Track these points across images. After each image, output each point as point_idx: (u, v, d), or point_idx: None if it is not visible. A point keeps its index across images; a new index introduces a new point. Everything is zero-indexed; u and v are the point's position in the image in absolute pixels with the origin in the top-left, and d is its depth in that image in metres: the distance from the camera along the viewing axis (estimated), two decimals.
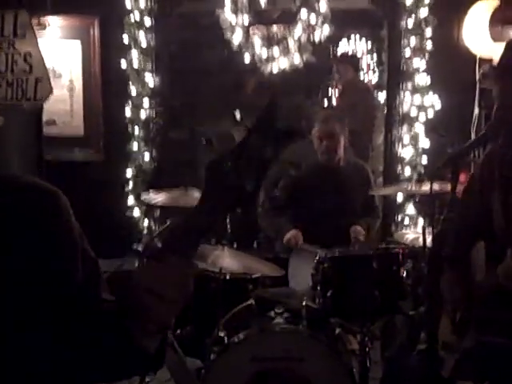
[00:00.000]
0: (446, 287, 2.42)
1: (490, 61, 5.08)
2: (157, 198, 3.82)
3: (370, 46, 8.52)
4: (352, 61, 7.33)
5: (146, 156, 5.13)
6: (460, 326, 2.38)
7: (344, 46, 8.61)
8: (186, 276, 1.21)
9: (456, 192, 2.37)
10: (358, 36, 8.57)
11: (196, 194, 3.84)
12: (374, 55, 8.35)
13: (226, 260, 3.59)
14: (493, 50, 5.01)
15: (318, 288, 3.41)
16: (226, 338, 3.23)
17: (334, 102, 8.27)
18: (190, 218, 1.28)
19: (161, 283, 1.16)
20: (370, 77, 8.19)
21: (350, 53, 8.32)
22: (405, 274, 3.29)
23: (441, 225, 2.36)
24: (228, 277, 3.67)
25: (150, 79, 5.10)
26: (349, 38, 8.58)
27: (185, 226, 1.29)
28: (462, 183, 2.53)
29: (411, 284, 3.21)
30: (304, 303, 3.34)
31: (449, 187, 2.98)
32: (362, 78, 7.99)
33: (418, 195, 4.48)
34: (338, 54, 8.43)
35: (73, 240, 1.21)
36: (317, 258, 3.48)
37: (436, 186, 3.56)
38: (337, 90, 8.39)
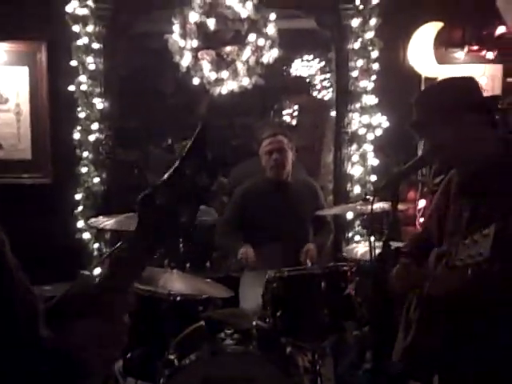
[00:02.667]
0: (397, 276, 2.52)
1: (434, 80, 5.21)
2: (106, 222, 3.79)
3: (321, 66, 8.65)
4: (303, 85, 7.41)
5: (96, 179, 5.09)
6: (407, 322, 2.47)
7: (297, 66, 8.71)
8: (120, 329, 1.20)
9: (396, 212, 2.44)
10: (311, 56, 8.69)
11: None
12: (328, 74, 8.47)
13: (175, 282, 3.59)
14: (437, 71, 5.14)
15: (268, 308, 3.42)
16: (176, 361, 3.20)
17: (292, 122, 8.36)
18: (124, 254, 1.27)
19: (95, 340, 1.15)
20: (324, 95, 8.27)
21: (303, 73, 8.42)
22: (354, 292, 3.31)
23: (382, 246, 2.40)
24: (178, 298, 3.66)
25: (99, 103, 5.07)
26: (302, 59, 8.69)
27: (121, 262, 1.28)
28: (411, 201, 2.64)
29: (360, 303, 3.23)
30: (254, 323, 3.34)
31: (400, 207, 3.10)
32: (316, 97, 8.07)
33: (365, 213, 4.53)
34: (292, 74, 8.55)
35: (8, 273, 1.18)
36: (266, 277, 3.49)
37: (384, 205, 3.66)
38: (292, 109, 8.50)
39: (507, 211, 2.14)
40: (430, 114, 2.36)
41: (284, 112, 8.49)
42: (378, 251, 2.41)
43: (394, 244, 2.54)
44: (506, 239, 1.92)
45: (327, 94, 8.24)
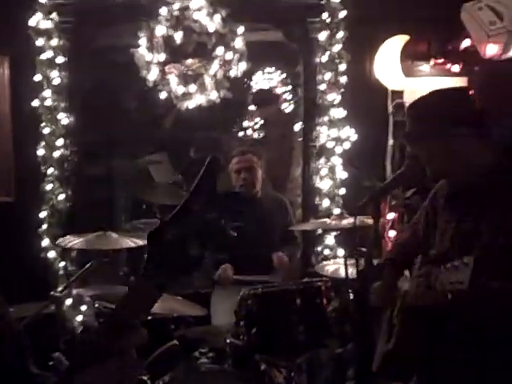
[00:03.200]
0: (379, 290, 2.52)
1: (402, 93, 5.24)
2: (75, 241, 3.73)
3: (283, 78, 8.65)
4: (271, 97, 7.40)
5: (61, 196, 4.98)
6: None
7: (258, 79, 8.69)
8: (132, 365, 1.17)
9: (378, 228, 2.44)
10: (272, 68, 8.69)
11: (114, 237, 3.79)
12: (289, 87, 8.47)
13: None
14: (404, 84, 5.17)
15: (242, 324, 3.37)
16: (149, 382, 3.14)
17: (254, 135, 8.34)
18: (134, 291, 1.23)
19: None
20: (286, 108, 8.25)
21: (264, 88, 8.40)
22: (330, 308, 3.28)
23: (364, 262, 2.38)
24: (149, 317, 3.58)
25: (64, 118, 4.98)
26: (263, 71, 8.68)
27: (130, 299, 1.24)
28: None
29: (337, 321, 3.20)
30: (228, 341, 3.30)
31: (369, 221, 3.08)
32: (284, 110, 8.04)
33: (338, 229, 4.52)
34: (254, 87, 8.52)
35: None
36: (241, 294, 3.44)
37: (357, 221, 3.64)
38: (255, 123, 8.48)
39: (494, 225, 2.15)
40: (421, 126, 2.35)
41: (249, 125, 8.47)
42: (358, 268, 2.39)
43: (375, 261, 2.52)
44: (486, 264, 1.94)
45: (289, 107, 8.25)
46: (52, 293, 3.12)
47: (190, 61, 4.99)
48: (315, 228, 4.78)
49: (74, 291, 4.57)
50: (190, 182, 6.21)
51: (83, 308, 4.81)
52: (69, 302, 4.68)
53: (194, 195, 1.25)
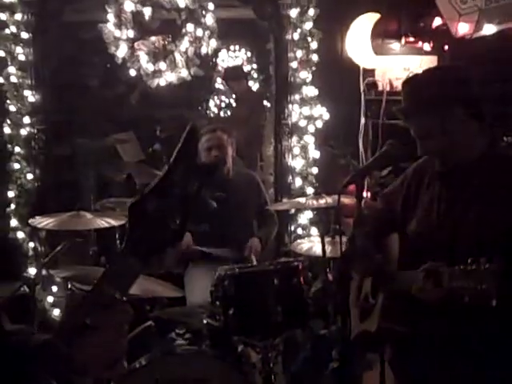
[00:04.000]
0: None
1: (373, 71, 5.24)
2: (47, 222, 3.64)
3: (248, 56, 8.62)
4: (242, 73, 7.35)
5: (29, 175, 4.87)
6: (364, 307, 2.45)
7: (224, 57, 8.64)
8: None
9: (361, 209, 2.40)
10: (237, 46, 8.65)
11: (88, 217, 3.72)
12: (254, 65, 8.44)
13: None
14: (375, 63, 5.17)
15: (218, 304, 3.34)
16: (125, 363, 3.09)
17: (220, 114, 8.29)
18: (115, 266, 1.20)
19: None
20: (253, 86, 8.22)
21: (235, 64, 8.35)
22: (312, 289, 3.27)
23: (348, 243, 2.36)
24: (123, 298, 3.52)
25: (30, 95, 4.86)
26: (228, 49, 8.63)
27: (112, 274, 1.22)
28: (352, 192, 2.59)
29: (319, 301, 3.19)
30: (205, 321, 3.27)
31: (346, 200, 3.06)
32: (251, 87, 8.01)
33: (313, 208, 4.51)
34: (220, 65, 8.46)
35: None
36: (216, 275, 3.41)
37: (331, 199, 3.64)
38: (221, 101, 8.43)
39: (485, 206, 2.14)
40: (416, 104, 2.31)
41: (216, 103, 8.43)
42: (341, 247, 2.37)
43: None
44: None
45: (254, 85, 8.23)
46: (24, 274, 3.05)
47: (156, 37, 4.90)
48: (293, 207, 4.75)
49: (44, 272, 4.52)
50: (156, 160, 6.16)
51: (54, 289, 4.75)
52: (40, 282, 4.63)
53: (173, 165, 1.22)
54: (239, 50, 8.75)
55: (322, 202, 3.71)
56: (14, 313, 3.14)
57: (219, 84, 8.46)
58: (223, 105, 8.53)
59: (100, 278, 1.21)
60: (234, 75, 7.17)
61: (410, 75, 2.50)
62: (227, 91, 8.17)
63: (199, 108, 8.23)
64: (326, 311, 3.15)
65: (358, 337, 2.43)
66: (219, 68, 8.48)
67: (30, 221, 3.83)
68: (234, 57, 8.78)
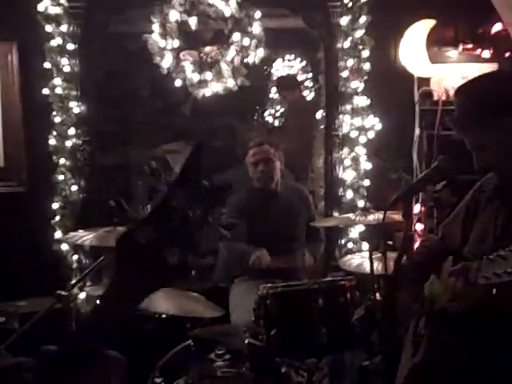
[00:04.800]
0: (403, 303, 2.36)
1: (428, 80, 5.02)
2: (84, 238, 3.58)
3: (303, 65, 8.49)
4: (295, 82, 7.25)
5: (73, 187, 4.82)
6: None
7: (278, 66, 8.54)
8: None
9: (410, 227, 2.25)
10: (292, 56, 8.53)
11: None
12: (310, 74, 8.30)
13: (161, 301, 3.36)
14: (431, 71, 4.96)
15: (261, 322, 3.20)
16: None
17: (275, 124, 8.19)
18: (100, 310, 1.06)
19: None
20: (307, 96, 8.09)
21: (289, 73, 8.24)
22: (356, 316, 3.09)
23: (394, 266, 2.19)
24: (163, 316, 3.44)
25: (76, 107, 4.81)
26: (283, 59, 8.53)
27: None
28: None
29: (363, 332, 3.01)
30: (246, 341, 3.15)
31: (396, 217, 2.89)
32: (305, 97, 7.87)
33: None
34: (275, 75, 8.36)
35: None
36: (259, 293, 3.25)
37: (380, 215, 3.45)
38: (276, 110, 8.32)
39: None
40: (471, 113, 2.15)
41: (270, 112, 8.33)
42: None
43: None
44: None
45: (309, 95, 8.08)
46: (58, 292, 2.97)
47: (207, 48, 4.80)
48: (339, 224, 4.59)
49: (87, 288, 4.46)
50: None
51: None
52: (82, 296, 4.56)
53: (173, 189, 1.03)
54: (294, 60, 8.65)
55: (370, 218, 3.55)
56: (54, 327, 3.08)
57: (274, 93, 8.37)
58: (278, 114, 8.43)
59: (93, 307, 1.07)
60: (287, 84, 7.10)
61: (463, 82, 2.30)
62: (280, 100, 8.05)
63: (253, 117, 8.14)
64: (368, 339, 2.95)
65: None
66: (274, 77, 8.39)
67: (68, 236, 3.76)
68: (288, 66, 8.68)
